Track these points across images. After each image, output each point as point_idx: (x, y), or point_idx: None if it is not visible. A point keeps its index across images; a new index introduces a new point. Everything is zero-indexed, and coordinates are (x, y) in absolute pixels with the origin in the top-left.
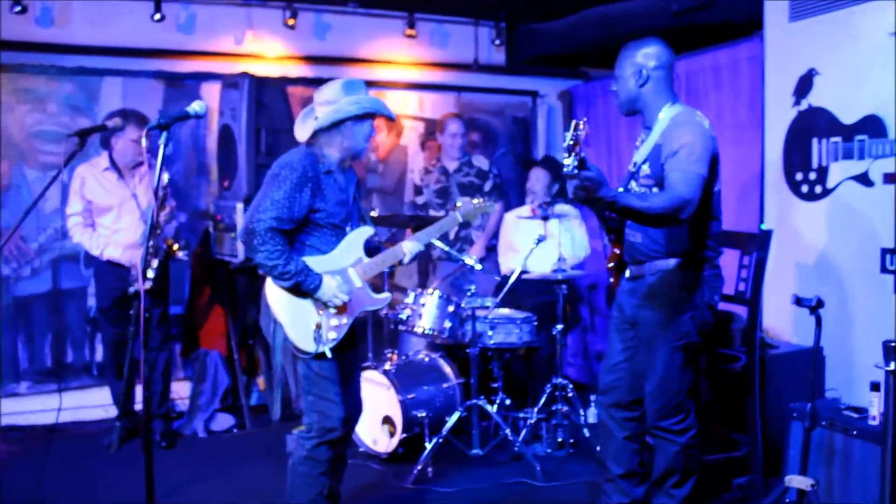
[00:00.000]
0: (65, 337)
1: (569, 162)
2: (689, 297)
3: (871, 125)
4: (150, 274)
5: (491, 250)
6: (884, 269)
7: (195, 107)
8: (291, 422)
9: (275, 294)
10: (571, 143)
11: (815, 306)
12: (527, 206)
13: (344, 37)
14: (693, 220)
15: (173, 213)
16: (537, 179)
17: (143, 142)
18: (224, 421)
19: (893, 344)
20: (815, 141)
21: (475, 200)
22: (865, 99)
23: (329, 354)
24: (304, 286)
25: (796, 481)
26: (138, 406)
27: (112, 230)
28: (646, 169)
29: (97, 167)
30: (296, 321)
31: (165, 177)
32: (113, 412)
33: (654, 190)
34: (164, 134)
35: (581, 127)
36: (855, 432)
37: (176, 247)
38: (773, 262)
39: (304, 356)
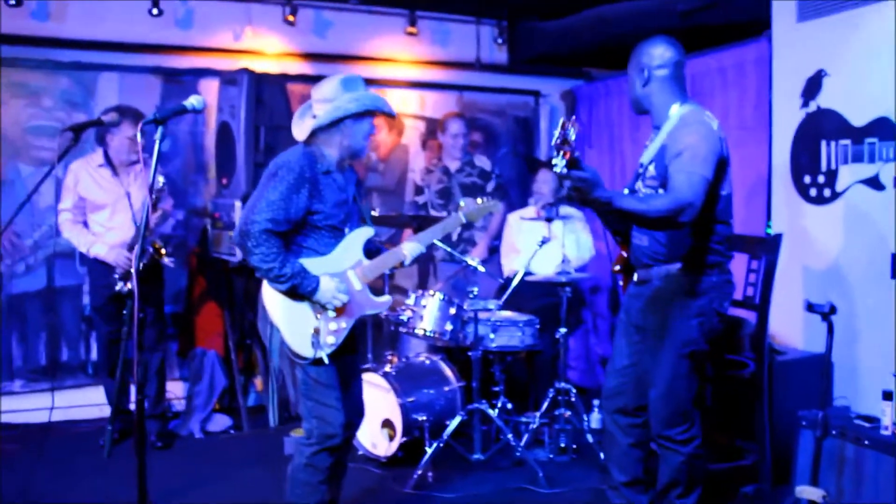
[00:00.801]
0: (59, 335)
1: (556, 162)
2: (696, 302)
3: (882, 127)
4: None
5: (493, 252)
6: (894, 275)
7: (193, 101)
8: (290, 424)
9: (271, 297)
10: (558, 142)
11: (827, 312)
12: (531, 206)
13: (344, 34)
14: (697, 224)
15: (166, 215)
16: (545, 181)
17: (139, 137)
18: (221, 422)
19: None
20: (823, 143)
21: (479, 200)
22: (876, 101)
23: (327, 360)
24: (300, 289)
25: (807, 492)
26: (132, 406)
27: (106, 228)
28: (651, 170)
29: (92, 163)
30: (293, 325)
31: (161, 179)
32: (108, 411)
33: (660, 191)
34: (160, 129)
35: (568, 126)
36: (867, 442)
37: (163, 251)
38: (781, 266)
39: (302, 362)
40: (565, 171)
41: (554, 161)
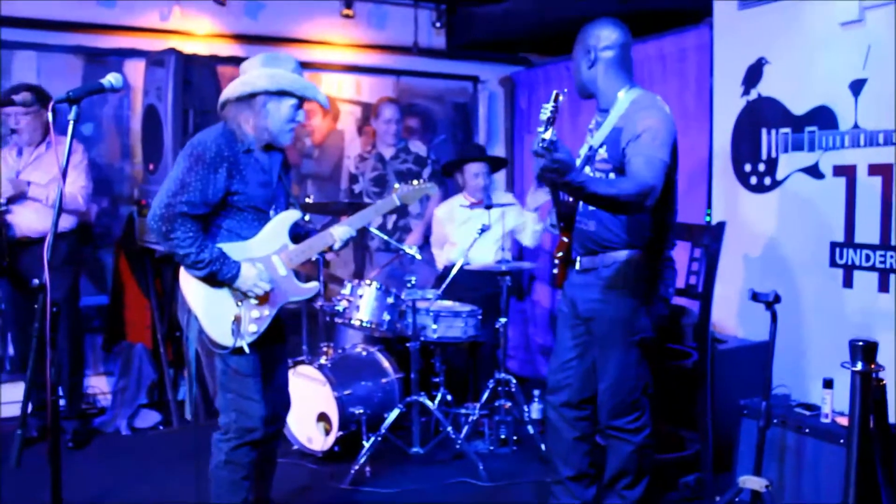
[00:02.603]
0: None
1: (547, 136)
2: (647, 290)
3: (822, 116)
4: None
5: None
6: (833, 263)
7: (110, 79)
8: (216, 418)
9: (189, 283)
10: (551, 115)
11: (771, 301)
12: (463, 194)
13: (277, 16)
14: (654, 209)
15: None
16: (474, 176)
17: (49, 116)
18: (149, 417)
19: (860, 343)
20: (764, 131)
21: (415, 182)
22: (816, 89)
23: (247, 349)
24: (220, 275)
25: (750, 482)
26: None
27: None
28: (602, 153)
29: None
30: (212, 313)
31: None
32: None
33: (612, 175)
34: (75, 109)
35: (560, 99)
36: (807, 430)
37: None
38: (721, 254)
39: (221, 351)
40: (549, 148)
41: (543, 136)
